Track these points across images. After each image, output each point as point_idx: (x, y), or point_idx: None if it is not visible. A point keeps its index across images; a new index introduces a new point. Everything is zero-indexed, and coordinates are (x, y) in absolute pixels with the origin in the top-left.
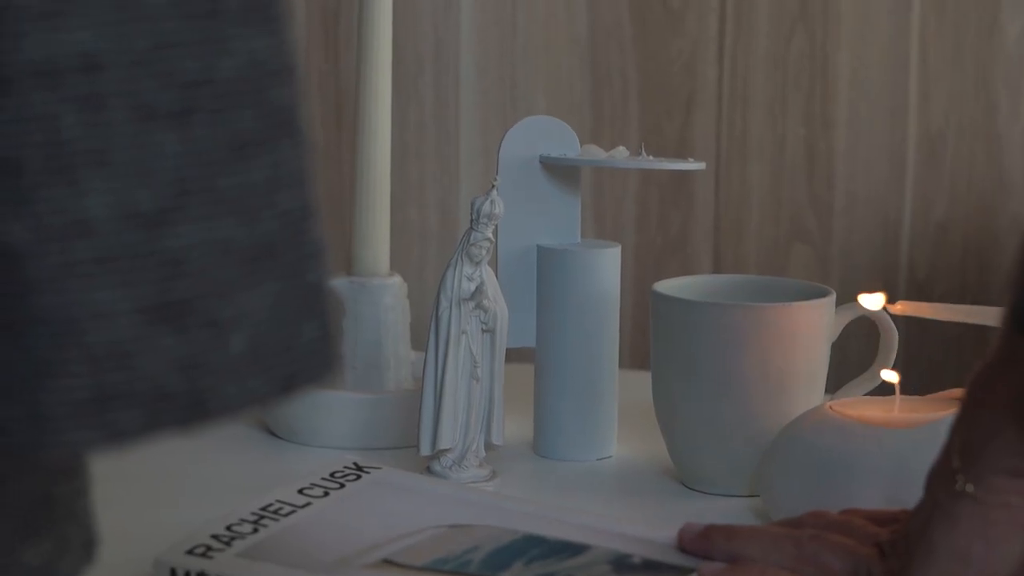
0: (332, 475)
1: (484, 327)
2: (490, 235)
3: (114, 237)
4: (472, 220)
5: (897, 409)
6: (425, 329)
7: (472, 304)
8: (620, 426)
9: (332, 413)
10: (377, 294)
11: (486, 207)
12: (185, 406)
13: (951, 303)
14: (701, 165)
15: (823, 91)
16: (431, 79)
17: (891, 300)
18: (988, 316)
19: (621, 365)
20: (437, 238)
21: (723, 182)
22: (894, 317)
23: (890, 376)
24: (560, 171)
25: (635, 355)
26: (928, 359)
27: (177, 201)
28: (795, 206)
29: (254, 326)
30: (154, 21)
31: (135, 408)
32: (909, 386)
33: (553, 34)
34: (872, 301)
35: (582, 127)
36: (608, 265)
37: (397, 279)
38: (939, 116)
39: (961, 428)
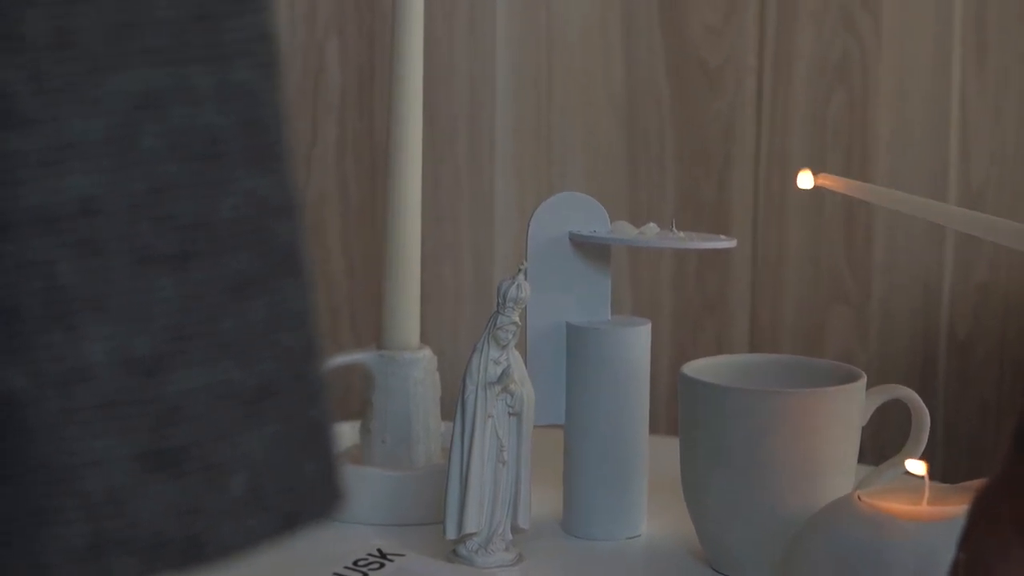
0: (355, 564)
1: (511, 410)
2: (516, 319)
3: (112, 383)
4: (498, 304)
5: (926, 500)
6: (457, 392)
7: (498, 388)
8: (652, 497)
9: (360, 489)
10: (407, 368)
11: (512, 291)
12: (182, 551)
13: (990, 359)
14: (732, 243)
15: (862, 150)
16: (466, 138)
17: (931, 367)
18: (909, 204)
19: (657, 431)
20: (471, 298)
21: (761, 242)
22: (930, 397)
23: (916, 467)
24: (590, 248)
25: (672, 420)
26: (967, 435)
27: (176, 346)
28: (834, 267)
29: (254, 467)
30: (152, 165)
31: (131, 555)
32: (948, 461)
33: (590, 94)
34: (804, 180)
35: (618, 188)
36: (638, 343)
37: (427, 352)
38: (980, 174)
39: (966, 547)
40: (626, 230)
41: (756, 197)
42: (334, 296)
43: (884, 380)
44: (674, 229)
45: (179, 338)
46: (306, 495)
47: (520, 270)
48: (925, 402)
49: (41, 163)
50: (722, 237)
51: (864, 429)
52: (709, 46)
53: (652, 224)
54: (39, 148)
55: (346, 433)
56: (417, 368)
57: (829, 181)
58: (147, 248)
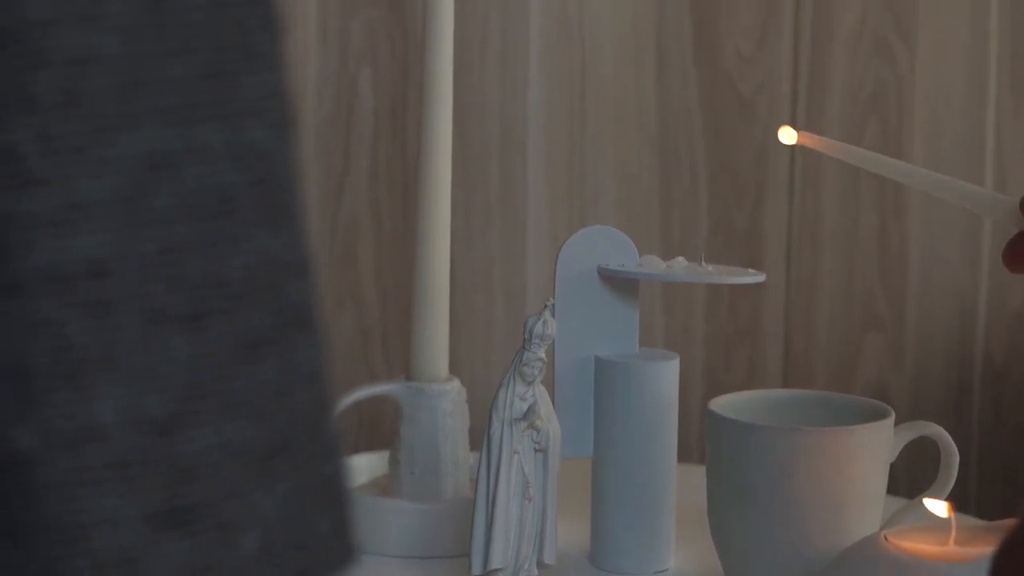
0: None
1: (537, 447)
2: (542, 355)
3: (123, 443)
4: (524, 340)
5: (953, 540)
6: (488, 418)
7: (524, 424)
8: (681, 529)
9: (388, 521)
10: (435, 399)
11: (538, 328)
12: None
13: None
14: (760, 277)
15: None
16: (498, 167)
17: (967, 393)
18: (884, 166)
19: (689, 460)
20: (503, 326)
21: (794, 269)
22: (966, 424)
23: (938, 509)
24: (619, 282)
25: (704, 450)
26: (1003, 462)
27: (187, 405)
28: (868, 294)
29: (267, 524)
30: (163, 225)
31: None
32: (983, 488)
33: (622, 122)
34: (785, 135)
35: (650, 216)
36: (666, 377)
37: (456, 384)
38: None
39: None
40: (655, 264)
41: (790, 224)
42: (366, 321)
43: (919, 406)
44: (702, 262)
45: (191, 397)
46: (319, 551)
47: (546, 306)
48: (960, 428)
49: (51, 223)
50: (751, 271)
51: (899, 459)
52: (742, 74)
53: (680, 258)
54: (48, 209)
55: (375, 463)
56: (446, 400)
57: (808, 139)
58: (158, 307)
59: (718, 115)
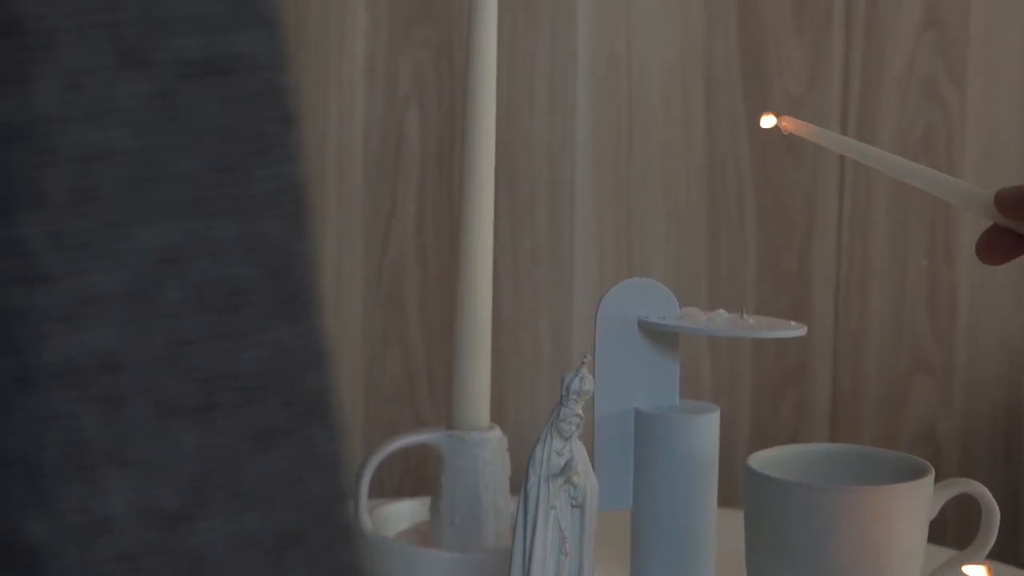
0: None
1: (573, 502)
2: (579, 411)
3: (134, 536)
4: (562, 396)
5: None
6: (525, 473)
7: (561, 479)
8: None
9: (428, 570)
10: (476, 448)
11: (575, 384)
12: None
13: None
14: (802, 330)
15: (946, 221)
16: (545, 206)
17: (1016, 435)
18: (864, 153)
19: (733, 505)
20: (549, 367)
21: (842, 312)
22: (1015, 465)
23: (977, 573)
24: (659, 334)
25: None
26: None
27: (199, 497)
28: (917, 337)
29: None
30: (174, 318)
31: None
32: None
33: (670, 161)
34: (766, 121)
35: (698, 255)
36: (706, 430)
37: (497, 433)
38: None
39: None
40: (695, 317)
41: (838, 265)
42: (412, 364)
43: (968, 449)
44: (744, 315)
45: (200, 489)
46: None
47: (583, 362)
48: (1009, 469)
49: (62, 318)
50: (792, 324)
51: (948, 508)
52: (791, 114)
53: (722, 310)
54: (60, 303)
55: (418, 509)
56: (487, 448)
57: (790, 124)
58: (168, 400)
59: (767, 155)
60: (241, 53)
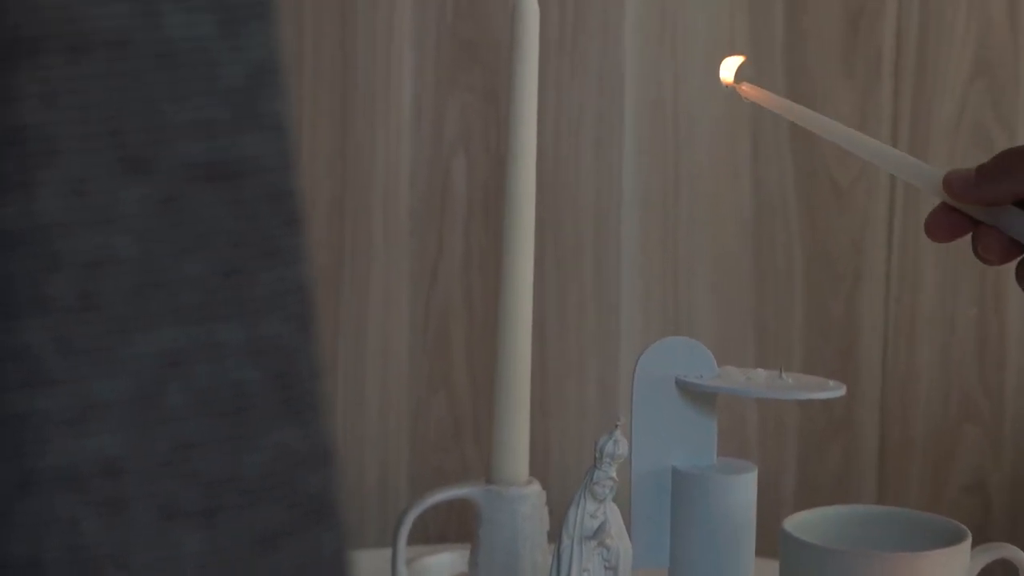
0: None
1: (607, 564)
2: (613, 474)
3: None
4: (596, 459)
5: None
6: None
7: (595, 542)
8: None
9: None
10: (515, 503)
11: (609, 447)
12: None
13: None
14: (840, 391)
15: (996, 270)
16: (592, 252)
17: None
18: (821, 125)
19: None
20: (595, 413)
21: (890, 361)
22: None
23: None
24: (696, 393)
25: None
26: None
27: None
28: (965, 386)
29: None
30: (177, 423)
31: None
32: None
33: (717, 208)
34: (726, 69)
35: (744, 304)
36: (743, 490)
37: (535, 487)
38: None
39: None
40: (733, 376)
41: (886, 315)
42: (458, 409)
43: (1018, 499)
44: (782, 374)
45: None
46: None
47: (617, 425)
48: None
49: (65, 423)
50: (831, 384)
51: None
52: (840, 164)
53: (760, 369)
54: (63, 408)
55: (457, 561)
56: (525, 503)
57: (749, 90)
58: (171, 504)
59: (814, 203)
60: (246, 156)
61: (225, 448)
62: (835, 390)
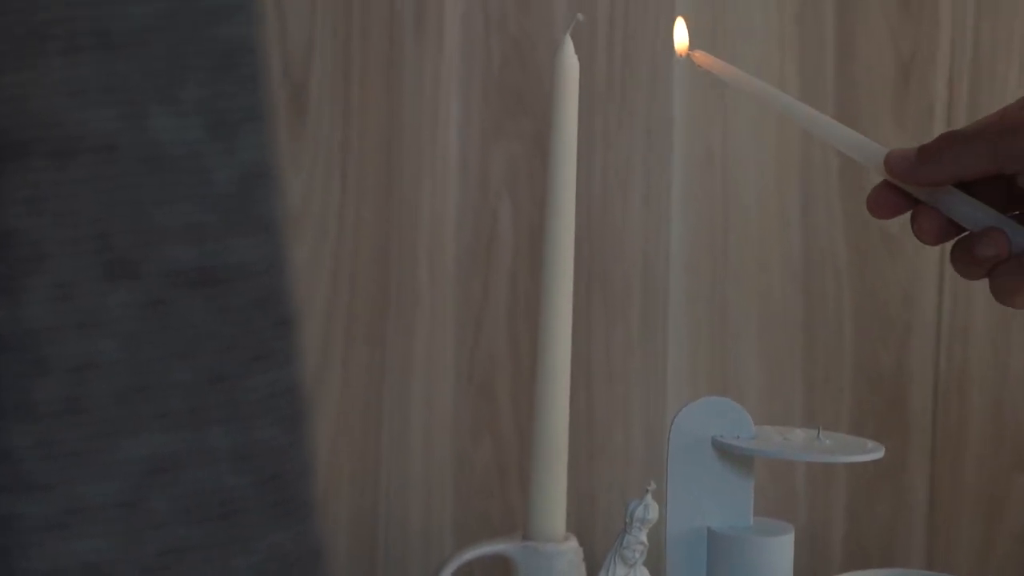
0: None
1: None
2: (643, 539)
3: None
4: (626, 523)
5: None
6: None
7: None
8: None
9: None
10: (551, 560)
11: (639, 512)
12: None
13: None
14: (879, 453)
15: None
16: (639, 301)
17: None
18: (776, 99)
19: None
20: (641, 459)
21: (941, 410)
22: None
23: None
24: (733, 454)
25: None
26: None
27: None
28: (1018, 436)
29: None
30: (164, 528)
31: None
32: None
33: (766, 257)
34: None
35: (793, 354)
36: (780, 551)
37: (572, 544)
38: None
39: None
40: (770, 437)
41: (936, 365)
42: (503, 456)
43: None
44: (820, 434)
45: None
46: None
47: (648, 490)
48: None
49: (48, 527)
50: (869, 445)
51: None
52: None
53: (797, 430)
54: (48, 512)
55: None
56: (562, 560)
57: (702, 57)
58: None
59: (864, 252)
60: (235, 261)
61: (214, 553)
62: (874, 452)
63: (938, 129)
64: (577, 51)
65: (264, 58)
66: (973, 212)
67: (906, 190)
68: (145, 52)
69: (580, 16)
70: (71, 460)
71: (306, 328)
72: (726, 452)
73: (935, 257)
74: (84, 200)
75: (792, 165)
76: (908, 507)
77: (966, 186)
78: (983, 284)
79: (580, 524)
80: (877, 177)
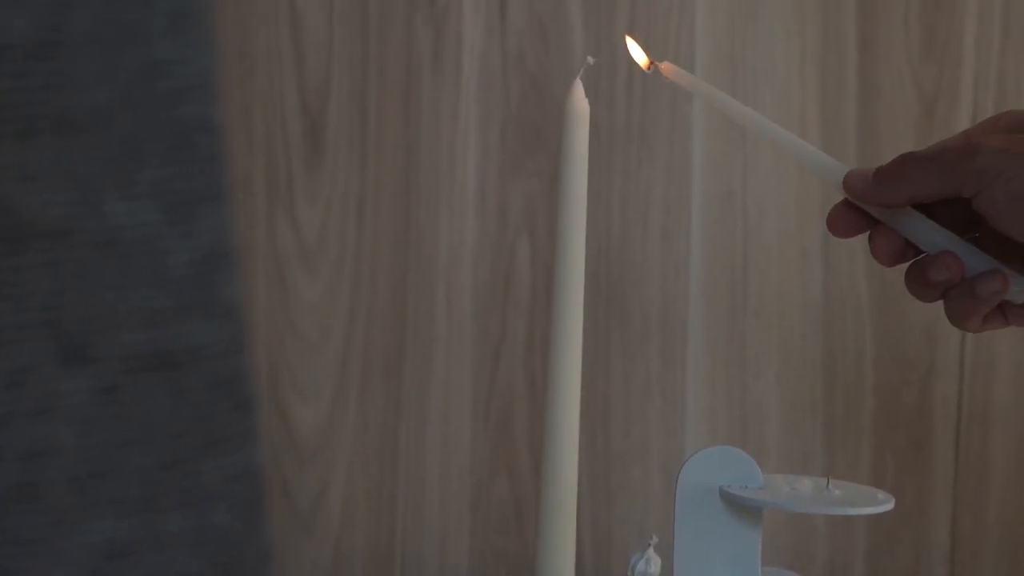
0: None
1: None
2: None
3: None
4: None
5: None
6: None
7: None
8: None
9: None
10: None
11: (641, 566)
12: None
13: None
14: (889, 504)
15: None
16: (658, 339)
17: None
18: (740, 113)
19: None
20: (659, 499)
21: (963, 450)
22: None
23: None
24: (741, 504)
25: None
26: None
27: None
28: None
29: None
30: None
31: None
32: None
33: (786, 296)
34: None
35: (813, 393)
36: None
37: None
38: None
39: None
40: (779, 486)
41: (959, 402)
42: (519, 491)
43: None
44: (829, 485)
45: None
46: None
47: (650, 544)
48: None
49: None
50: (880, 495)
51: None
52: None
53: (806, 479)
54: None
55: None
56: None
57: (669, 70)
58: None
59: (885, 289)
60: (192, 344)
61: None
62: (884, 504)
63: None
64: (596, 88)
65: (225, 136)
66: (929, 234)
67: (866, 210)
68: (101, 136)
69: (590, 59)
70: (27, 547)
71: (322, 362)
72: (734, 502)
73: None
74: (37, 286)
75: (813, 203)
76: (929, 548)
77: (928, 207)
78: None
79: (597, 563)
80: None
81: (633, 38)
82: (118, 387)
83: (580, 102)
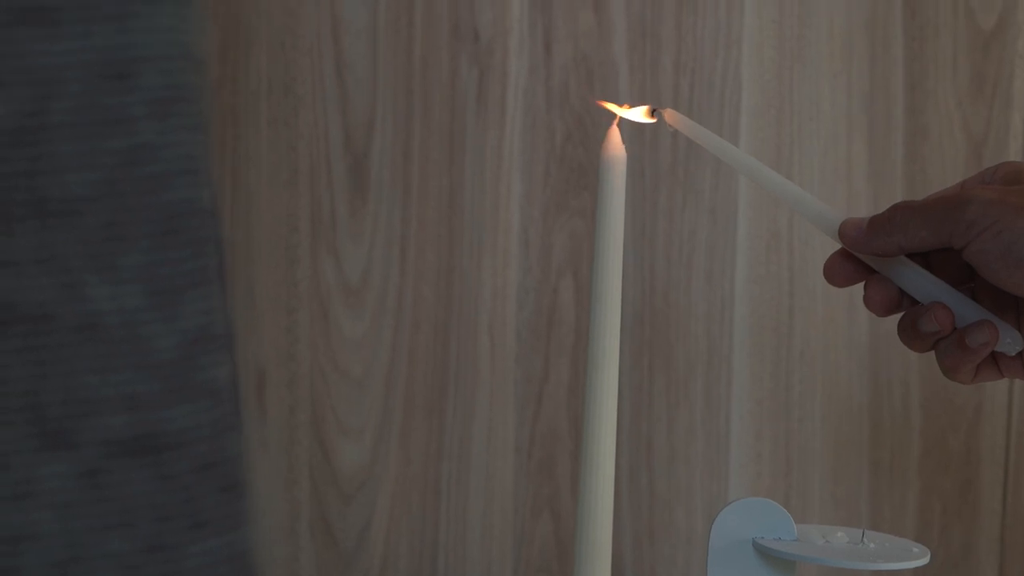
0: None
1: None
2: None
3: None
4: None
5: None
6: None
7: None
8: None
9: None
10: None
11: None
12: None
13: None
14: (924, 559)
15: None
16: (702, 381)
17: None
18: (742, 162)
19: None
20: (702, 539)
21: (1011, 495)
22: None
23: None
24: (774, 556)
25: None
26: None
27: None
28: None
29: None
30: None
31: None
32: None
33: (831, 339)
34: (632, 115)
35: (859, 436)
36: None
37: None
38: None
39: None
40: (813, 538)
41: (1007, 448)
42: (562, 532)
43: None
44: (864, 538)
45: None
46: None
47: None
48: None
49: None
50: (915, 549)
51: None
52: None
53: (840, 532)
54: None
55: None
56: None
57: (672, 118)
58: None
59: None
60: (173, 429)
61: None
62: (920, 558)
63: None
64: (641, 129)
65: (215, 219)
66: (922, 283)
67: (862, 259)
68: (83, 221)
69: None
70: None
71: (365, 400)
72: (767, 554)
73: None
74: (17, 370)
75: None
76: None
77: (924, 257)
78: None
79: None
80: None
81: (613, 102)
82: (99, 471)
83: (616, 149)
